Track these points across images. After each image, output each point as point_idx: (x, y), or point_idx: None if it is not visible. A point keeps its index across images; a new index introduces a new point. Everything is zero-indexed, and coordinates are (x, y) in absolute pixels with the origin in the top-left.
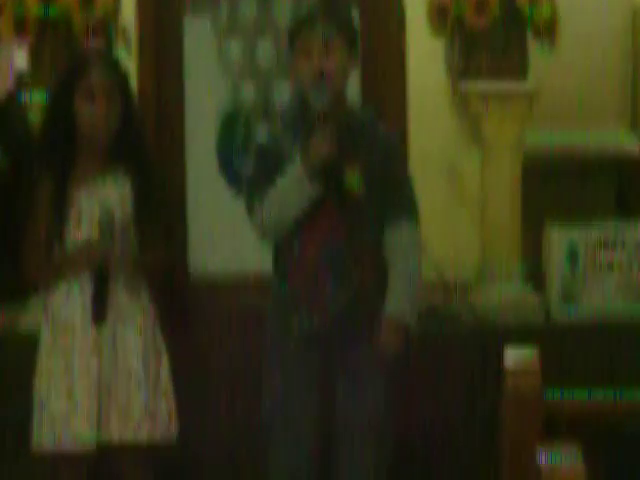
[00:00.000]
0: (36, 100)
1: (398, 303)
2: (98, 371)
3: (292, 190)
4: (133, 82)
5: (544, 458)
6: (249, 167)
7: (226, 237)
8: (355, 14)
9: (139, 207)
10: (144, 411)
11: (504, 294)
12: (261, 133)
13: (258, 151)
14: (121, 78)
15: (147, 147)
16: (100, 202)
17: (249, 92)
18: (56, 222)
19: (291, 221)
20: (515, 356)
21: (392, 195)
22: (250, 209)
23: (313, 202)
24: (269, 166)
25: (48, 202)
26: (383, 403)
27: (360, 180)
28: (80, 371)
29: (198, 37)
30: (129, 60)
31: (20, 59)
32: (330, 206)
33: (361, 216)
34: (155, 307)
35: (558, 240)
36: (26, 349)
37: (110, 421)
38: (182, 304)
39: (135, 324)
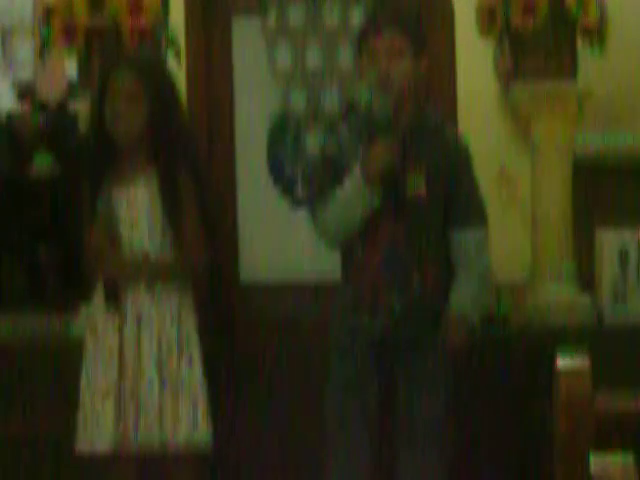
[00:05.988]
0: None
1: (461, 300)
2: (118, 374)
3: (352, 197)
4: (182, 87)
5: (595, 463)
6: (312, 173)
7: (277, 243)
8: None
9: (169, 208)
10: (158, 415)
11: (555, 296)
12: (325, 139)
13: (321, 157)
14: (149, 80)
15: (185, 148)
16: (128, 203)
17: (298, 97)
18: (90, 224)
19: (353, 227)
20: (566, 358)
21: (460, 199)
22: (314, 215)
23: (374, 208)
24: (332, 172)
25: (88, 206)
26: (445, 406)
27: (423, 184)
28: (101, 374)
29: (247, 42)
30: (178, 65)
31: (69, 67)
32: (392, 211)
33: (423, 220)
34: (189, 312)
35: (609, 242)
36: (76, 355)
37: (134, 425)
38: (231, 310)
39: (155, 328)
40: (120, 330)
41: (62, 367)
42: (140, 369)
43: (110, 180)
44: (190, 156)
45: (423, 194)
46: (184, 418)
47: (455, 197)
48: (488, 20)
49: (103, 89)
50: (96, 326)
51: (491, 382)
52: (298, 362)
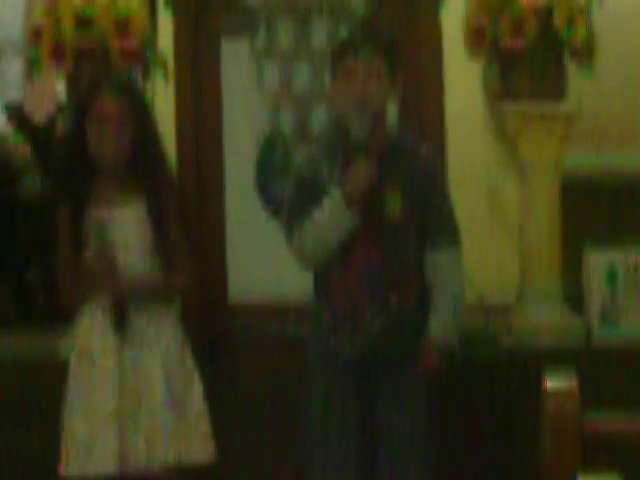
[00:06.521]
0: None
1: (442, 324)
2: (119, 396)
3: (330, 218)
4: (171, 107)
5: None
6: (288, 194)
7: (266, 264)
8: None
9: (156, 230)
10: (170, 434)
11: (544, 316)
12: (299, 159)
13: (296, 177)
14: (133, 102)
15: (164, 169)
16: (117, 226)
17: (287, 116)
18: (73, 246)
19: (331, 248)
20: (554, 379)
21: (433, 218)
22: (289, 236)
23: (353, 229)
24: (308, 193)
25: (67, 227)
26: (424, 425)
27: (400, 204)
28: (101, 396)
29: (236, 61)
30: (167, 85)
31: (58, 86)
32: (369, 231)
33: (400, 240)
34: (183, 332)
35: (597, 262)
36: (63, 376)
37: (136, 446)
38: (221, 330)
39: (156, 349)
40: (119, 351)
41: (50, 387)
42: (147, 390)
43: (94, 203)
44: (169, 176)
45: (399, 214)
46: (192, 435)
47: (427, 217)
48: (476, 41)
49: (85, 111)
50: (87, 348)
51: (479, 403)
52: (286, 381)
